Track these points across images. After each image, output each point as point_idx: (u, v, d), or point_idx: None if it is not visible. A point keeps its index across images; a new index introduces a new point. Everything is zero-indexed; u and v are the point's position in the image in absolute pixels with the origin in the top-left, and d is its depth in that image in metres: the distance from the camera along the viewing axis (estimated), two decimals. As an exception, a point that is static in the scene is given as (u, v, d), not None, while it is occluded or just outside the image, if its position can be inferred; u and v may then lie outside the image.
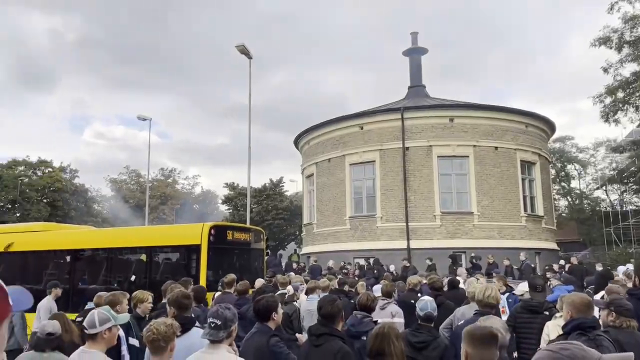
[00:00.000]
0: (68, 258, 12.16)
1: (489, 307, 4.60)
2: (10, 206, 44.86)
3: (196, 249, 10.64)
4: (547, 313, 5.25)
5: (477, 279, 8.39)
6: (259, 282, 9.11)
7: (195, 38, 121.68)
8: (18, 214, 43.79)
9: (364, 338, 4.85)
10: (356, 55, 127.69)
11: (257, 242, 12.98)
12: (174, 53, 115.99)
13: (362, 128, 23.40)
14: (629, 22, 21.15)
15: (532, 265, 17.20)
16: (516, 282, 10.28)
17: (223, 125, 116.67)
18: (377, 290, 7.16)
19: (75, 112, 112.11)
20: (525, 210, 22.59)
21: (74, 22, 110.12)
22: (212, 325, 3.28)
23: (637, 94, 21.28)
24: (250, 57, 20.30)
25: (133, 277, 11.24)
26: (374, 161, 22.79)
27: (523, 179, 22.90)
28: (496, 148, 22.29)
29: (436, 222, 21.39)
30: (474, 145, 22.01)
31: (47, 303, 8.98)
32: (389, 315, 6.28)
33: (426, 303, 4.70)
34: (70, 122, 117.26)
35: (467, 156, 22.00)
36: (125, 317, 3.70)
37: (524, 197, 22.76)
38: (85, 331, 3.38)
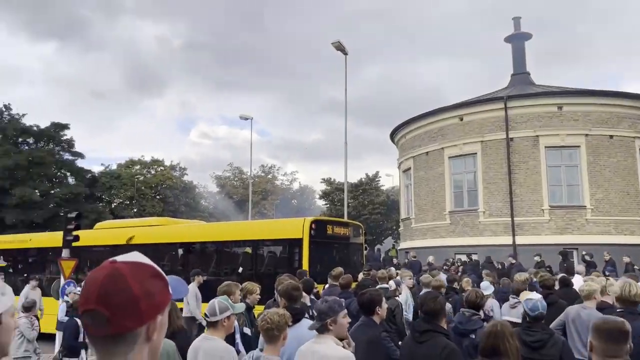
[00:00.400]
0: (181, 250, 13.07)
1: (633, 305, 4.28)
2: (128, 202, 48.91)
3: (298, 242, 10.96)
4: None
5: (592, 278, 7.81)
6: (362, 276, 9.17)
7: (290, 37, 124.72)
8: (135, 210, 47.64)
9: (473, 336, 4.72)
10: (454, 45, 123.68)
11: (355, 237, 13.09)
12: (271, 53, 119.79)
13: (461, 119, 22.64)
14: None
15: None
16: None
17: (318, 121, 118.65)
18: (485, 287, 6.90)
19: (182, 113, 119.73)
20: (647, 203, 20.59)
21: (180, 28, 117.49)
22: (318, 316, 3.39)
23: None
24: (346, 53, 20.42)
25: (240, 269, 11.81)
26: (475, 153, 21.96)
27: (644, 170, 20.88)
28: (611, 137, 20.52)
29: (544, 217, 20.17)
30: (586, 135, 20.43)
31: (193, 289, 9.76)
32: (519, 316, 6.02)
33: (536, 303, 4.45)
34: (178, 123, 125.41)
35: (578, 146, 20.48)
36: (241, 306, 3.91)
37: (645, 189, 20.75)
38: (207, 319, 3.61)
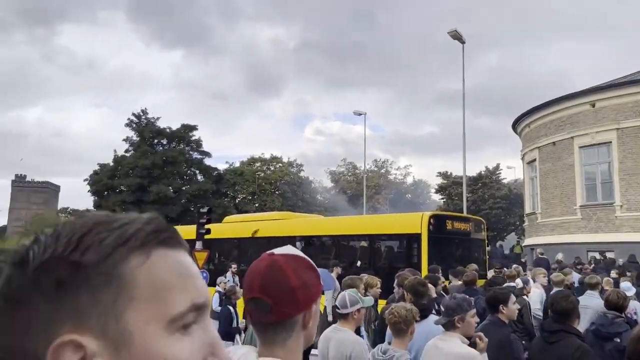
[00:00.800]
0: (301, 244, 13.54)
1: None
2: (250, 198, 51.68)
3: (416, 238, 10.82)
4: None
5: None
6: (491, 274, 8.84)
7: (402, 30, 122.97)
8: (257, 204, 50.20)
9: (618, 340, 4.36)
10: (581, 25, 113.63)
11: (477, 232, 12.63)
12: (384, 47, 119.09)
13: (593, 106, 20.75)
14: None
15: None
16: None
17: (432, 114, 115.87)
18: (627, 288, 6.31)
19: (297, 111, 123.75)
20: None
21: (294, 30, 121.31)
22: (445, 312, 3.39)
23: None
24: (463, 42, 19.70)
25: (358, 263, 11.95)
26: (610, 142, 20.03)
27: None
28: None
29: (696, 212, 17.88)
30: None
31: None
32: None
33: None
34: (293, 121, 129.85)
35: None
36: (370, 300, 3.97)
37: None
38: (338, 311, 3.73)
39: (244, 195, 51.96)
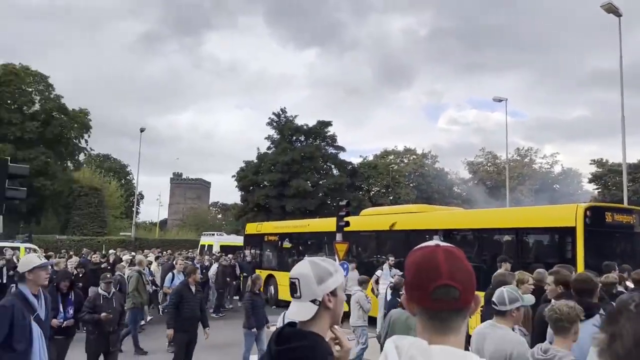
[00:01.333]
0: (441, 237, 13.22)
1: None
2: (384, 191, 51.82)
3: (570, 231, 10.00)
4: None
5: None
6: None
7: (541, 6, 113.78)
8: (391, 197, 50.19)
9: None
10: None
11: (642, 226, 11.28)
12: (522, 28, 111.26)
13: None
14: None
15: None
16: None
17: (580, 96, 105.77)
18: None
19: (430, 102, 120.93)
20: None
21: (426, 18, 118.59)
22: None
23: None
24: (619, 15, 17.66)
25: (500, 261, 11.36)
26: None
27: None
28: None
29: None
30: None
31: None
32: None
33: None
34: (426, 112, 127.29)
35: None
36: (530, 298, 3.78)
37: None
38: (495, 307, 3.61)
39: (378, 189, 52.26)
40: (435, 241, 1.26)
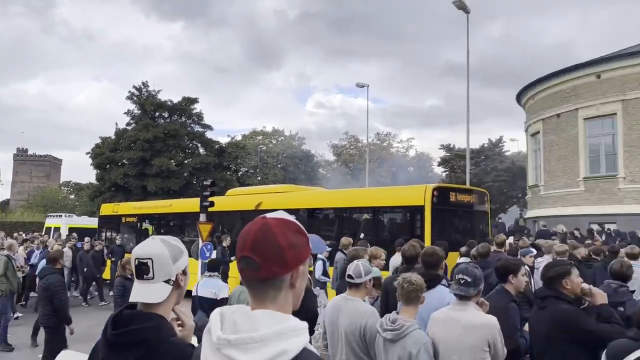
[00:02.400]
0: (305, 216, 13.58)
1: None
2: (252, 171, 51.71)
3: (420, 210, 10.83)
4: None
5: None
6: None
7: (405, 1, 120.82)
8: (259, 178, 50.26)
9: (621, 309, 4.39)
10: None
11: (480, 204, 12.62)
12: (386, 18, 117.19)
13: (599, 77, 20.51)
14: None
15: None
16: None
17: (435, 86, 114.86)
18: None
19: (299, 84, 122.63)
20: None
21: (296, 0, 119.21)
22: (462, 282, 3.34)
23: None
24: (467, 12, 19.32)
25: (362, 235, 12.00)
26: (615, 114, 19.86)
27: None
28: None
29: (700, 183, 17.85)
30: None
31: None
32: None
33: None
34: (295, 94, 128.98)
35: None
36: (377, 271, 3.99)
37: None
38: (351, 280, 3.74)
39: (246, 169, 51.96)
40: (273, 214, 1.28)
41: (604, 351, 2.90)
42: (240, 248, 1.23)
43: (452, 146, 43.60)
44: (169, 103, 44.12)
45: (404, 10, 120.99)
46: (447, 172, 43.11)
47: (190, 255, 9.54)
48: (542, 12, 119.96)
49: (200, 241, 12.55)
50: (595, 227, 17.95)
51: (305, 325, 1.18)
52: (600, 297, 3.52)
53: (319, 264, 9.68)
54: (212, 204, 12.73)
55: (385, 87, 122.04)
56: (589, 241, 12.01)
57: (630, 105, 19.37)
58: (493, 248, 8.10)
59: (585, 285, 3.57)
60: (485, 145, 41.26)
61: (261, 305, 1.20)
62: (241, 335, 1.10)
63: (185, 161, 43.85)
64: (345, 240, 9.40)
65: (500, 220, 23.18)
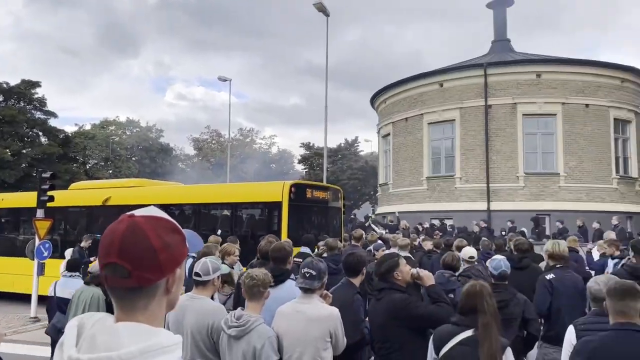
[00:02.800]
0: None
1: (561, 260, 4.81)
2: (103, 164, 48.16)
3: (277, 205, 10.97)
4: None
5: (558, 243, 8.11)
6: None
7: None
8: (110, 171, 46.97)
9: (452, 295, 4.87)
10: (435, 9, 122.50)
11: (334, 201, 13.16)
12: (250, 12, 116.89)
13: (441, 85, 22.65)
14: None
15: (628, 230, 16.19)
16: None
17: (298, 84, 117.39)
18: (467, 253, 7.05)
19: (158, 74, 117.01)
20: (618, 171, 21.14)
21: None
22: (307, 275, 3.42)
23: None
24: (327, 15, 20.04)
25: (219, 232, 11.81)
26: (454, 120, 22.09)
27: (616, 139, 21.35)
28: (587, 105, 20.82)
29: (519, 184, 20.57)
30: (563, 103, 20.69)
31: None
32: None
33: (499, 262, 4.65)
34: (153, 84, 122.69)
35: (555, 114, 20.76)
36: (226, 268, 3.91)
37: (617, 158, 21.26)
38: (198, 278, 3.61)
39: (96, 161, 48.25)
40: (142, 210, 1.12)
41: (432, 336, 3.18)
42: (104, 253, 1.05)
43: (311, 144, 44.99)
44: (5, 85, 39.18)
45: (267, 7, 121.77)
46: (307, 170, 44.39)
47: (25, 255, 8.56)
48: (395, 21, 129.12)
49: (37, 239, 11.34)
50: (436, 222, 19.79)
51: (177, 340, 1.04)
52: (428, 278, 3.82)
53: (189, 262, 9.29)
54: (51, 198, 11.58)
55: (249, 82, 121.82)
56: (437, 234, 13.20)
57: (467, 113, 21.68)
58: (352, 242, 8.56)
59: (413, 271, 3.85)
60: (342, 144, 43.24)
61: (129, 316, 1.05)
62: (97, 355, 0.94)
63: (24, 151, 39.30)
64: (213, 238, 9.17)
65: (352, 217, 24.45)
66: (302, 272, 3.49)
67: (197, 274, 3.69)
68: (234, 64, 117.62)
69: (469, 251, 6.28)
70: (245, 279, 3.41)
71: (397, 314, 3.55)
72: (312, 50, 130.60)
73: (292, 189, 11.05)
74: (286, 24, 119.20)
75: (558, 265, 5.04)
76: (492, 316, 2.94)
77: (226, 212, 12.56)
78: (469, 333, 2.89)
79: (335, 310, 3.45)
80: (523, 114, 20.82)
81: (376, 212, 28.33)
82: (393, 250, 8.74)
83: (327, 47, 20.36)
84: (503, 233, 15.31)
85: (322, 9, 19.71)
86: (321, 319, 3.39)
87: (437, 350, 2.98)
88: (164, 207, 12.84)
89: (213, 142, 58.59)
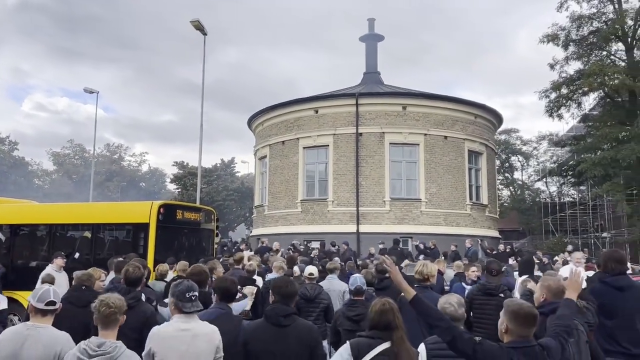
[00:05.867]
0: (9, 233, 11.65)
1: (426, 281, 5.10)
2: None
3: (144, 227, 10.43)
4: (502, 295, 5.50)
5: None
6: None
7: (143, 10, 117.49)
8: (-50, 186, 41.31)
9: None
10: (313, 39, 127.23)
11: (207, 222, 12.86)
12: (122, 25, 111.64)
13: (317, 112, 23.43)
14: (575, 21, 22.03)
15: (479, 252, 17.88)
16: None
17: (172, 102, 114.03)
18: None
19: (14, 81, 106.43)
20: (471, 198, 23.38)
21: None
22: (193, 298, 3.49)
23: (580, 91, 22.26)
24: (205, 34, 19.84)
25: (77, 255, 10.91)
26: (328, 145, 22.90)
27: (470, 168, 23.65)
28: (446, 137, 22.86)
29: (385, 208, 21.82)
30: (425, 134, 22.49)
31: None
32: None
33: (355, 278, 5.18)
34: (8, 92, 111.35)
35: (418, 144, 22.47)
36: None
37: (470, 186, 23.53)
38: (41, 306, 3.34)
39: None
40: None
41: (344, 347, 3.30)
42: None
43: (185, 164, 43.63)
44: None
45: (140, 19, 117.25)
46: (180, 190, 42.86)
47: None
48: (274, 46, 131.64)
49: None
50: (315, 244, 20.11)
51: None
52: None
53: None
54: None
55: (119, 96, 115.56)
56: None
57: (340, 139, 22.61)
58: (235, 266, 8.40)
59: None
60: (218, 165, 42.58)
61: None
62: None
63: None
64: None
65: (223, 240, 24.05)
66: (188, 296, 3.50)
67: (52, 302, 3.41)
68: (103, 76, 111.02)
69: (309, 269, 6.72)
70: (100, 307, 3.19)
71: (310, 342, 3.66)
72: (188, 68, 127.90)
73: (161, 209, 10.59)
74: (162, 39, 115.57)
75: (416, 285, 5.37)
76: (403, 329, 3.24)
77: (87, 234, 11.64)
78: (386, 345, 3.14)
79: (215, 329, 3.54)
80: (390, 143, 22.25)
81: (251, 234, 28.17)
82: (274, 273, 8.72)
83: (203, 66, 20.12)
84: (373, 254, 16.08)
85: (199, 27, 19.47)
86: (205, 335, 3.46)
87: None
88: (12, 227, 11.58)
89: (76, 157, 54.44)
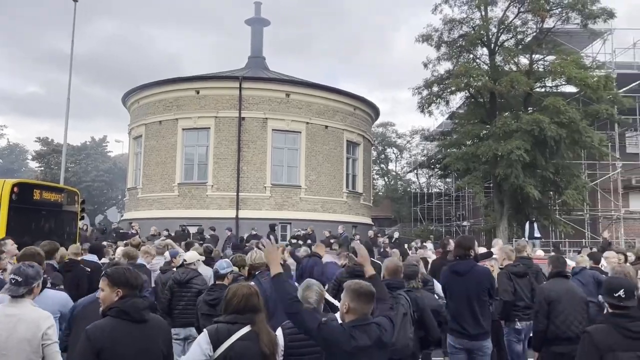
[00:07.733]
0: None
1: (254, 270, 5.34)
2: None
3: (-5, 207, 9.39)
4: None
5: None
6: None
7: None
8: None
9: None
10: (196, 16, 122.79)
11: (70, 204, 11.92)
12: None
13: (198, 92, 22.66)
14: (447, 24, 23.61)
15: (350, 238, 18.61)
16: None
17: (36, 72, 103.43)
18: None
19: None
20: (347, 186, 24.26)
21: None
22: (13, 282, 3.38)
23: (448, 90, 23.94)
24: (75, 0, 18.19)
25: None
26: (209, 128, 22.30)
27: (347, 158, 24.50)
28: (326, 127, 23.41)
29: (266, 194, 21.85)
30: (307, 122, 22.83)
31: None
32: None
33: (222, 263, 5.42)
34: None
35: (300, 132, 22.75)
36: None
37: (347, 175, 24.40)
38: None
39: None
40: None
41: (202, 336, 3.19)
42: None
43: (50, 140, 39.91)
44: None
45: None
46: (43, 168, 39.15)
47: None
48: (155, 20, 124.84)
49: None
50: (194, 230, 19.46)
51: None
52: None
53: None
54: None
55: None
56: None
57: (221, 122, 22.12)
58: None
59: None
60: (88, 143, 39.56)
61: None
62: None
63: None
64: None
65: (85, 225, 22.47)
66: (9, 278, 3.42)
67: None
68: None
69: (195, 255, 6.74)
70: None
71: None
72: (60, 38, 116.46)
73: (15, 188, 9.63)
74: (26, 3, 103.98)
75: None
76: (264, 312, 3.28)
77: None
78: (246, 329, 3.09)
79: (48, 314, 3.42)
80: (273, 129, 22.25)
81: (123, 218, 26.63)
82: (159, 259, 8.35)
83: (73, 35, 18.52)
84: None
85: (69, -8, 17.81)
86: (37, 320, 3.31)
87: (215, 347, 3.03)
88: None
89: None
